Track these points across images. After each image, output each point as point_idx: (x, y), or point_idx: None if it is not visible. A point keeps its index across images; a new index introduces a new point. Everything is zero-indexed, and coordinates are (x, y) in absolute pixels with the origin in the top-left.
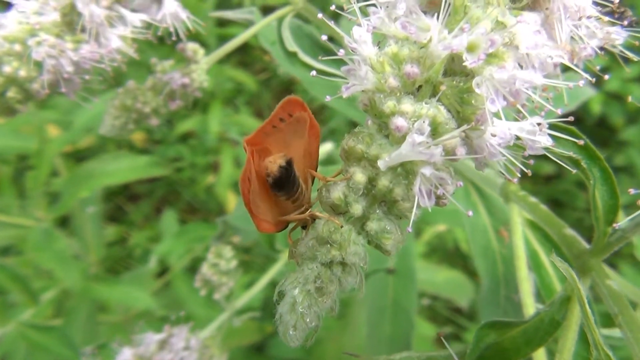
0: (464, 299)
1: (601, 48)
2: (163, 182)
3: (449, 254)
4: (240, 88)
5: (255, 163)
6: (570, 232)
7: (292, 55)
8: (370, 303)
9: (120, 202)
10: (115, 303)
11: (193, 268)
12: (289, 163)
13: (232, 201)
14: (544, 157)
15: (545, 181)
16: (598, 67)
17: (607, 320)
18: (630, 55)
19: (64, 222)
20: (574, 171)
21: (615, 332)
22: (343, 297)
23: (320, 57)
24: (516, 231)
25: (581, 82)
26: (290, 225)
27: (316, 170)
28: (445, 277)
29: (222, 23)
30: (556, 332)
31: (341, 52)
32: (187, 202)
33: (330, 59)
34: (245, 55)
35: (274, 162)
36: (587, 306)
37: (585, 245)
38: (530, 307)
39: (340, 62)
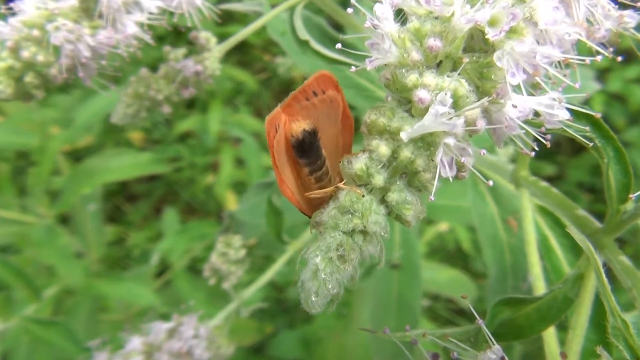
0: (466, 299)
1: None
2: (162, 182)
3: (450, 255)
4: (240, 88)
5: (285, 127)
6: (582, 212)
7: (304, 45)
8: (375, 299)
9: (119, 202)
10: (117, 300)
11: (192, 268)
12: (314, 131)
13: (231, 201)
14: (544, 159)
15: (546, 182)
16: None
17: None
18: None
19: (64, 221)
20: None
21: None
22: (344, 298)
23: (341, 37)
24: (527, 216)
25: (599, 57)
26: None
27: None
28: (448, 277)
29: (221, 21)
30: (569, 309)
31: (367, 24)
32: (186, 203)
33: (343, 38)
34: (245, 55)
35: (299, 126)
36: (602, 275)
37: (598, 224)
38: (541, 290)
39: (349, 53)
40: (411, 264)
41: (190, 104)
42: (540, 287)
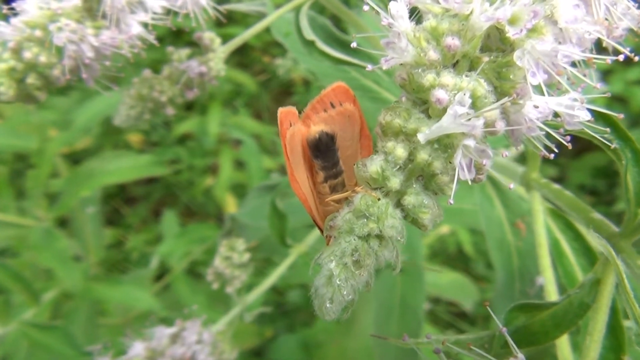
0: (468, 302)
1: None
2: (160, 184)
3: (451, 258)
4: (240, 89)
5: (303, 134)
6: (598, 216)
7: (310, 45)
8: (378, 302)
9: (117, 204)
10: (116, 304)
11: (192, 271)
12: (332, 134)
13: (231, 204)
14: (545, 161)
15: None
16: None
17: None
18: None
19: (63, 224)
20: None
21: None
22: None
23: (354, 35)
24: (538, 220)
25: (621, 57)
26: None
27: None
28: (450, 280)
29: (219, 22)
30: (585, 315)
31: (384, 22)
32: (185, 205)
33: (348, 39)
34: (244, 57)
35: (318, 127)
36: (625, 280)
37: (614, 228)
38: (553, 294)
39: (356, 54)
40: (415, 267)
41: (190, 106)
42: (552, 291)
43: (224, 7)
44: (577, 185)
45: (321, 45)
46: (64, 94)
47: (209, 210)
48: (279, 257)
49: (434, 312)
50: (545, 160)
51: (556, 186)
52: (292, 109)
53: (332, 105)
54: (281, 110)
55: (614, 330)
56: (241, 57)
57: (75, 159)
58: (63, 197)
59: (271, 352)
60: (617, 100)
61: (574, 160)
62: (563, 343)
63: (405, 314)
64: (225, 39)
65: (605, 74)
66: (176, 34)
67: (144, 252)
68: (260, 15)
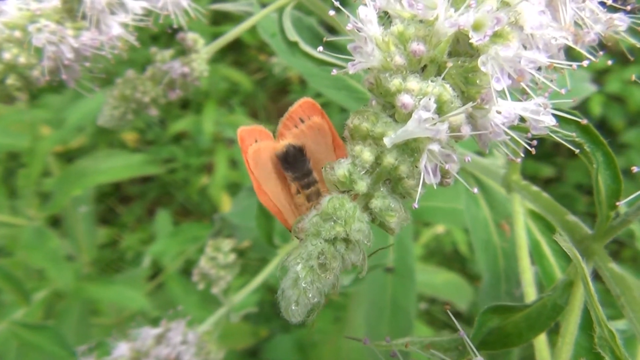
0: (463, 302)
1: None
2: (156, 183)
3: (447, 258)
4: (235, 88)
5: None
6: (572, 218)
7: (293, 46)
8: (369, 303)
9: (112, 203)
10: (108, 303)
11: (186, 270)
12: (300, 147)
13: (226, 203)
14: (543, 160)
15: (545, 184)
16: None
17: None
18: (632, 41)
19: (55, 223)
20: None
21: (618, 325)
22: (340, 301)
23: (325, 38)
24: (518, 221)
25: (585, 62)
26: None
27: None
28: (444, 280)
29: (216, 21)
30: (558, 317)
31: (349, 27)
32: (180, 204)
33: (334, 40)
34: (240, 55)
35: (285, 142)
36: (590, 284)
37: (587, 230)
38: (532, 296)
39: (341, 53)
40: (406, 267)
41: (185, 105)
42: (531, 293)
43: (213, 7)
44: (574, 184)
45: (304, 46)
46: (58, 92)
47: (204, 209)
48: (273, 256)
49: (430, 312)
50: (542, 159)
51: (535, 188)
52: (258, 127)
53: (302, 120)
54: (241, 129)
55: (589, 329)
56: (237, 55)
57: (70, 157)
58: (55, 196)
59: (266, 352)
60: (615, 100)
61: (571, 160)
62: (541, 344)
63: (396, 314)
64: (221, 36)
65: (603, 74)
66: (171, 34)
67: (139, 251)
68: (249, 15)
